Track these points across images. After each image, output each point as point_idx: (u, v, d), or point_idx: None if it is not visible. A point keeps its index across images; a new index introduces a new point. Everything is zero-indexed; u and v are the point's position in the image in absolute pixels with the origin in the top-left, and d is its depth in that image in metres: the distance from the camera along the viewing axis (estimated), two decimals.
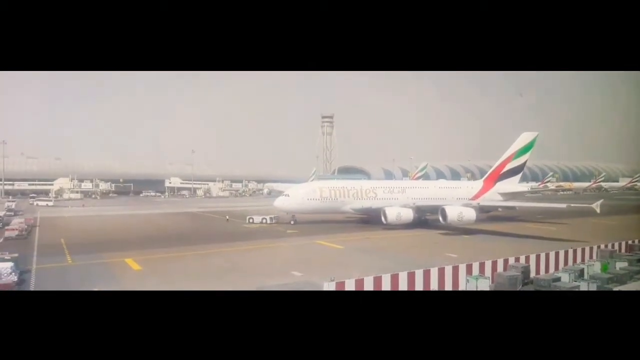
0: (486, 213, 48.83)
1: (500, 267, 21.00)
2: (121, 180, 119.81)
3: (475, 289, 18.15)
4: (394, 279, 18.17)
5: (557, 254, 23.81)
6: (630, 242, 29.18)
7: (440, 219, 41.07)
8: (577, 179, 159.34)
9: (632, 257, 24.22)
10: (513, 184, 54.78)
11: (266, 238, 37.65)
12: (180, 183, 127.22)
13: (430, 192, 52.31)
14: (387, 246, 34.06)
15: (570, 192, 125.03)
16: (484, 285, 18.26)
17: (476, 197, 51.69)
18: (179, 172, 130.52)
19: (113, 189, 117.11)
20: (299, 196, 46.09)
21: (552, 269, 22.95)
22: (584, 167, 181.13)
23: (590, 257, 25.24)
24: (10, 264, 20.41)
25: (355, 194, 47.63)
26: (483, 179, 57.42)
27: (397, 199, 47.08)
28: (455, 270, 19.78)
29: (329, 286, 17.01)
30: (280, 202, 46.59)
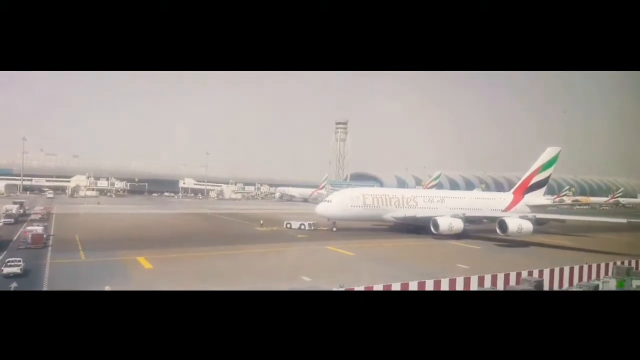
0: (540, 225, 47.57)
1: (512, 281, 20.70)
2: (136, 179, 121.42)
3: None
4: (404, 287, 18.04)
5: (571, 269, 23.39)
6: None
7: (499, 230, 41.19)
8: (593, 193, 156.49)
9: None
10: (539, 197, 56.12)
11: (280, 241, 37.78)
12: (194, 184, 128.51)
13: (466, 202, 52.63)
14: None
15: (587, 207, 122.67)
16: None
17: (508, 208, 52.82)
18: (192, 174, 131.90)
19: (128, 188, 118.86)
20: (342, 203, 45.65)
21: (566, 284, 22.54)
22: (601, 181, 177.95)
23: (606, 273, 24.72)
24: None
25: (397, 202, 47.94)
26: (512, 191, 58.27)
27: (437, 209, 47.58)
28: (467, 281, 19.58)
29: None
30: (322, 208, 45.87)
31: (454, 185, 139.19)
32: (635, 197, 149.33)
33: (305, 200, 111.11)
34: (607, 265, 25.43)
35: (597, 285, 20.83)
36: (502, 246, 40.12)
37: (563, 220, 50.11)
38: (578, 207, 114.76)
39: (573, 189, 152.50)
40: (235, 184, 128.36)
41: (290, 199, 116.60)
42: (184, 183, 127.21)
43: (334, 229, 45.01)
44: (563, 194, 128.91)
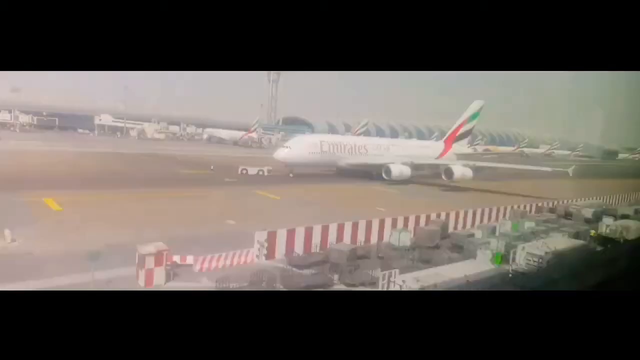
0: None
1: (423, 222, 22.50)
2: (44, 113, 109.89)
3: (397, 242, 19.39)
4: (324, 229, 18.95)
5: (474, 212, 25.88)
6: (539, 204, 32.31)
7: (444, 177, 45.85)
8: (502, 143, 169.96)
9: (539, 218, 26.93)
10: (464, 146, 63.01)
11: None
12: (112, 121, 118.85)
13: (408, 151, 55.96)
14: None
15: (495, 155, 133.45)
16: (406, 238, 19.56)
17: (441, 156, 58.18)
18: (110, 109, 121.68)
19: (35, 122, 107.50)
20: (301, 149, 45.86)
21: (468, 226, 24.99)
22: (510, 132, 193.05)
23: (504, 216, 27.70)
24: None
25: (350, 150, 49.79)
26: (443, 140, 64.19)
27: (384, 156, 50.81)
28: (382, 223, 20.95)
29: (261, 235, 17.43)
30: (282, 154, 45.45)
31: (380, 133, 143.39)
32: (538, 148, 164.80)
33: (235, 143, 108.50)
34: (505, 209, 28.47)
35: (495, 227, 23.35)
36: (427, 189, 43.12)
37: (496, 167, 55.50)
38: (488, 155, 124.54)
39: (485, 139, 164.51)
40: (159, 123, 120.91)
41: (219, 141, 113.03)
42: (100, 119, 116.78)
43: (291, 175, 45.52)
44: (476, 143, 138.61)
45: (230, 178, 41.82)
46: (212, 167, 46.65)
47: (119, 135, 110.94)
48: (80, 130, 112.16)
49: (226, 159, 61.07)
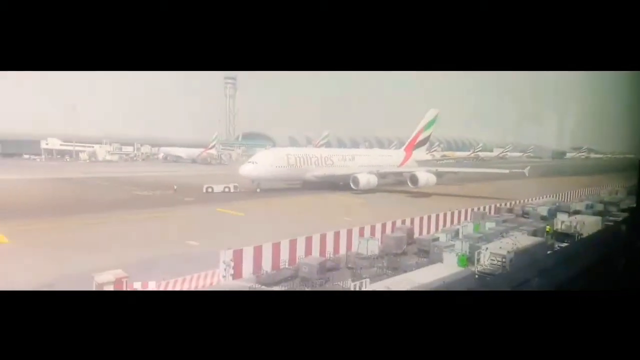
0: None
1: (389, 229, 22.62)
2: None
3: (366, 251, 19.34)
4: (292, 244, 18.61)
5: (437, 216, 26.34)
6: (498, 205, 33.40)
7: (410, 183, 46.91)
8: (458, 148, 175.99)
9: (498, 218, 27.79)
10: (423, 153, 65.43)
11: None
12: (60, 145, 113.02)
13: (371, 160, 57.38)
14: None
15: (452, 160, 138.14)
16: (374, 246, 19.54)
17: (402, 163, 59.69)
18: (58, 133, 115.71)
19: None
20: (267, 163, 44.96)
21: (432, 230, 25.38)
22: (465, 138, 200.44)
23: (465, 218, 28.40)
24: None
25: (317, 162, 49.56)
26: (403, 148, 66.15)
27: (349, 166, 51.18)
28: (349, 233, 20.86)
29: (226, 255, 16.84)
30: (247, 170, 44.17)
31: (341, 144, 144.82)
32: (492, 152, 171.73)
33: (194, 161, 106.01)
34: (466, 212, 29.20)
35: (458, 230, 23.83)
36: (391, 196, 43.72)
37: (457, 172, 58.07)
38: (445, 161, 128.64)
39: (442, 145, 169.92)
40: (111, 144, 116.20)
41: (177, 159, 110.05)
42: (47, 144, 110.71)
43: (258, 190, 44.38)
44: (433, 150, 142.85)
45: (190, 197, 40.55)
46: (175, 187, 44.80)
47: (68, 159, 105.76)
48: (26, 156, 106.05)
49: (186, 178, 59.49)
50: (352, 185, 46.47)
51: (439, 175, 49.21)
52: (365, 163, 53.47)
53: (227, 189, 44.85)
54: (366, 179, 46.95)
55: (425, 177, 47.41)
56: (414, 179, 47.04)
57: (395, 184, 52.46)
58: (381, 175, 49.72)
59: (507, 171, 50.01)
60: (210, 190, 44.56)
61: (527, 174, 45.95)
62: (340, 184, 49.43)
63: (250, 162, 46.02)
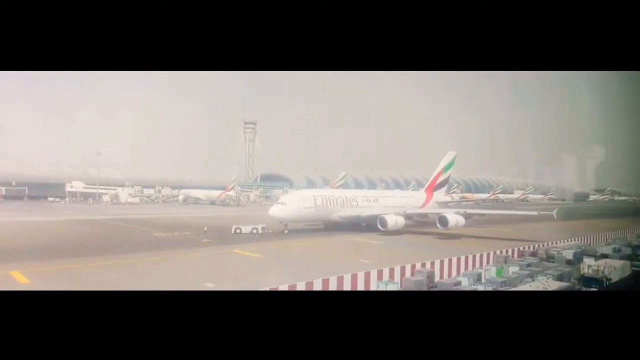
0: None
1: (408, 272, 22.04)
2: (13, 183, 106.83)
3: None
4: (309, 285, 18.24)
5: (458, 259, 25.61)
6: (521, 248, 32.43)
7: (439, 225, 46.12)
8: (477, 190, 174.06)
9: (522, 262, 26.89)
10: (442, 195, 65.67)
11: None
12: (84, 187, 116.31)
13: (395, 201, 57.94)
14: None
15: (472, 202, 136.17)
16: (393, 289, 19.00)
17: (424, 205, 59.90)
18: (82, 176, 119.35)
19: (4, 193, 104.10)
20: (295, 204, 45.71)
21: (454, 274, 24.62)
22: (484, 179, 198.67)
23: (488, 262, 27.55)
24: None
25: (342, 203, 50.12)
26: (424, 189, 66.71)
27: (373, 207, 51.60)
28: (367, 275, 20.39)
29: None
30: (276, 211, 44.69)
31: (358, 185, 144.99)
32: (512, 193, 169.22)
33: (212, 202, 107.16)
34: (488, 255, 28.37)
35: (480, 273, 23.09)
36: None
37: (485, 214, 58.19)
38: (465, 203, 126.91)
39: (461, 187, 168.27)
40: (133, 187, 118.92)
41: (196, 201, 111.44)
42: (71, 187, 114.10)
43: (286, 231, 44.55)
44: (452, 191, 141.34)
45: (208, 238, 40.51)
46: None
47: (91, 202, 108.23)
48: (50, 199, 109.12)
49: (208, 219, 59.79)
50: (379, 227, 46.45)
51: (466, 217, 48.66)
52: (388, 204, 53.87)
53: (254, 230, 44.69)
54: (394, 220, 46.96)
55: (455, 218, 47.10)
56: (443, 220, 46.53)
57: (417, 225, 51.96)
58: (407, 217, 49.74)
59: (535, 213, 49.13)
60: (238, 231, 44.50)
61: (555, 217, 45.02)
62: (362, 225, 49.49)
63: (279, 203, 46.65)
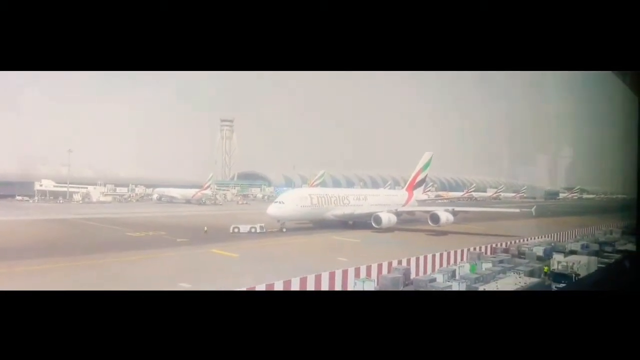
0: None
1: (385, 270, 22.29)
2: None
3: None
4: (286, 285, 18.22)
5: (433, 256, 26.07)
6: (493, 245, 33.23)
7: (431, 222, 48.26)
8: (452, 189, 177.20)
9: (495, 259, 27.55)
10: (420, 193, 68.47)
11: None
12: (54, 186, 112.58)
13: (381, 199, 59.78)
14: None
15: (446, 200, 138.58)
16: (370, 287, 19.19)
17: (407, 203, 62.06)
18: (52, 175, 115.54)
19: None
20: (294, 203, 46.15)
21: (429, 270, 25.04)
22: (458, 178, 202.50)
23: (462, 259, 28.11)
24: None
25: (336, 201, 51.26)
26: (405, 188, 69.56)
27: (362, 206, 53.27)
28: (345, 273, 20.52)
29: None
30: (275, 210, 45.00)
31: (336, 183, 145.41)
32: (485, 192, 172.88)
33: (188, 201, 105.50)
34: (462, 252, 28.95)
35: (455, 270, 23.54)
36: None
37: (467, 211, 60.72)
38: (439, 201, 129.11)
39: (435, 185, 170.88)
40: (105, 185, 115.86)
41: (171, 200, 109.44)
42: (40, 185, 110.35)
43: (284, 230, 44.96)
44: (427, 190, 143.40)
45: (182, 238, 39.86)
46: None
47: (61, 201, 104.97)
48: (18, 198, 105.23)
49: (187, 218, 58.95)
50: (373, 224, 48.01)
51: (454, 214, 50.68)
52: (376, 202, 55.67)
53: (253, 229, 44.62)
54: (387, 218, 48.67)
55: (445, 215, 49.06)
56: (434, 218, 48.43)
57: (403, 222, 53.49)
58: (397, 214, 51.23)
59: (518, 210, 51.07)
60: (236, 230, 44.36)
61: (534, 214, 47.96)
62: (349, 223, 50.88)
63: (277, 202, 47.08)
